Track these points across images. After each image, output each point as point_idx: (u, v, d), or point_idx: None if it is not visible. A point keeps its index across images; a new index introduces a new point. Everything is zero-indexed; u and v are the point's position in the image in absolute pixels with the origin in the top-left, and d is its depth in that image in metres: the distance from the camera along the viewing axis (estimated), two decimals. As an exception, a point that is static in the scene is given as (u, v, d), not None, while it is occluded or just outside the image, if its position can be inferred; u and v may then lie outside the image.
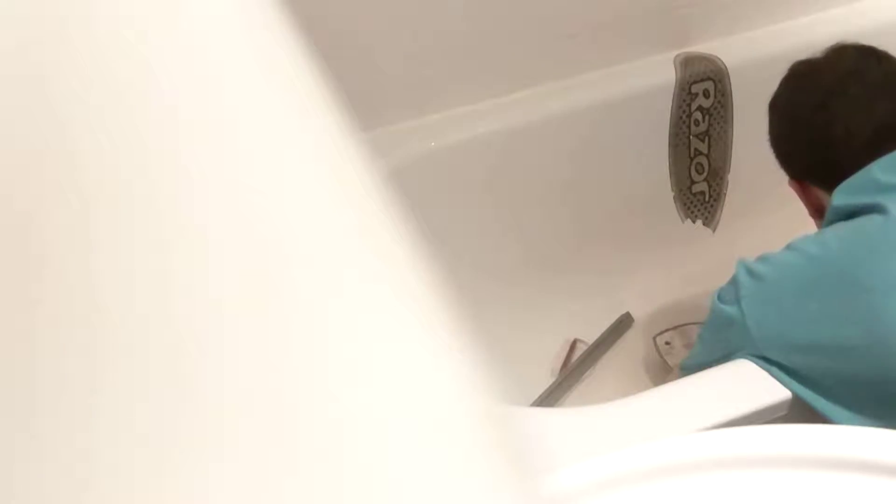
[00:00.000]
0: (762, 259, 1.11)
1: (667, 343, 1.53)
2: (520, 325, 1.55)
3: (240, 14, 0.26)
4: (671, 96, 1.58)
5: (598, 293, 1.64)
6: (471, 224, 1.53)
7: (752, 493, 0.63)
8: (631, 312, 1.62)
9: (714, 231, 1.70)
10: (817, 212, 1.22)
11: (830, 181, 1.13)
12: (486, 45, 1.45)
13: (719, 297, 1.13)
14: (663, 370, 1.51)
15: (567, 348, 1.56)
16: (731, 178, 1.68)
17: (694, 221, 1.68)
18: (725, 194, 1.69)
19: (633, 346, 1.58)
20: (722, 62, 1.58)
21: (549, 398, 1.46)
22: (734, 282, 1.11)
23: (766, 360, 1.06)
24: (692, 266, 1.65)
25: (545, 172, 1.56)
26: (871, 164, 1.10)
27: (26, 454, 0.20)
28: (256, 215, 0.24)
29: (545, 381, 1.51)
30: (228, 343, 0.22)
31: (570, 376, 1.51)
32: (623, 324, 1.61)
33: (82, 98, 0.22)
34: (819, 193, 1.20)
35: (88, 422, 0.21)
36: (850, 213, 1.09)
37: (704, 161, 1.66)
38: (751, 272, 1.09)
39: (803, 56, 1.24)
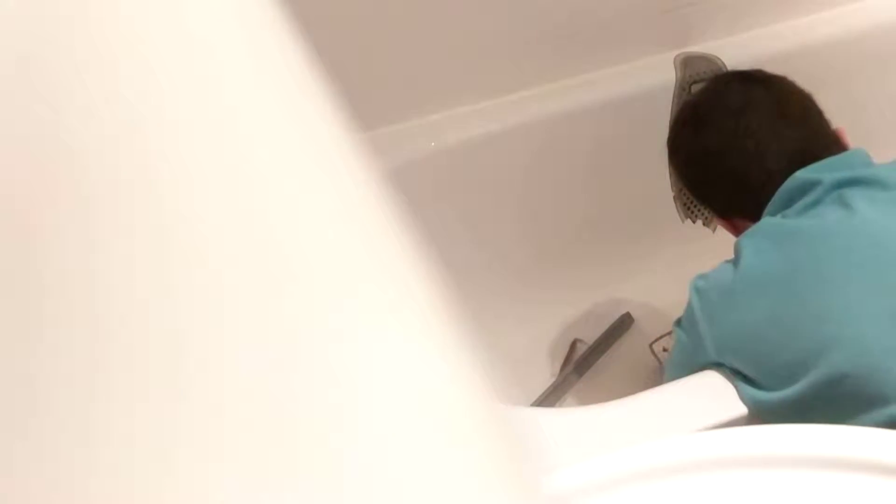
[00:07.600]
0: (704, 274, 1.12)
1: (664, 350, 1.53)
2: (520, 325, 1.55)
3: (239, 14, 0.27)
4: (671, 96, 1.58)
5: (597, 293, 1.64)
6: (470, 224, 1.53)
7: (752, 493, 0.63)
8: (631, 313, 1.62)
9: (714, 231, 1.69)
10: None
11: (757, 212, 1.14)
12: (486, 45, 1.45)
13: (678, 323, 1.14)
14: (662, 376, 1.51)
15: (567, 348, 1.56)
16: (731, 178, 1.67)
17: (694, 221, 1.68)
18: (725, 194, 1.69)
19: (632, 346, 1.58)
20: (722, 62, 1.58)
21: (549, 398, 1.47)
22: (688, 304, 1.11)
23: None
24: (692, 266, 1.65)
25: (544, 173, 1.56)
26: (796, 174, 1.11)
27: (26, 453, 0.20)
28: (256, 214, 0.24)
29: (545, 381, 1.51)
30: (229, 341, 0.22)
31: (570, 376, 1.51)
32: (623, 324, 1.61)
33: (82, 96, 0.22)
34: (749, 225, 1.19)
35: (88, 419, 0.21)
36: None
37: (704, 161, 1.65)
38: (696, 290, 1.10)
39: (803, 56, 1.23)
